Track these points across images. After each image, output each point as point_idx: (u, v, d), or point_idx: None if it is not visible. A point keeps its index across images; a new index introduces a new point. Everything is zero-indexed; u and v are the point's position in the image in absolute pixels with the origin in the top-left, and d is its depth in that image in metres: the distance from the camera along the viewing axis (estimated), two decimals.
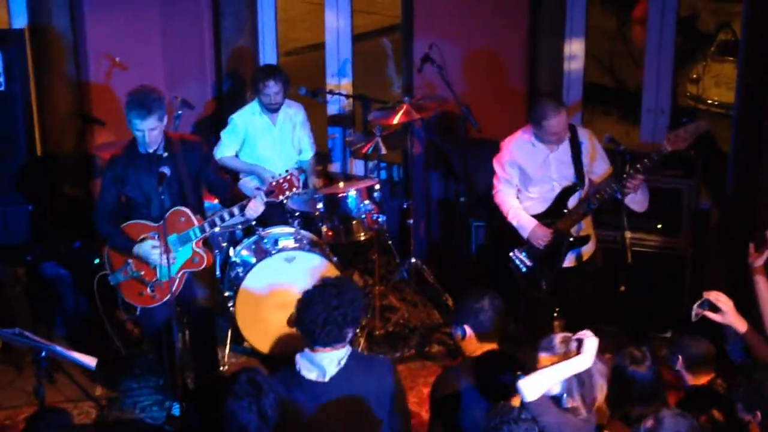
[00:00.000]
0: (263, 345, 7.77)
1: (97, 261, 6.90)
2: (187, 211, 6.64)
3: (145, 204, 6.69)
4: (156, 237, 6.59)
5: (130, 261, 6.72)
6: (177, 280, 6.68)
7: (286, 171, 6.59)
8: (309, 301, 5.25)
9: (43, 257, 8.40)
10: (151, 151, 6.57)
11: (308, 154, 8.75)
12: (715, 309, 5.44)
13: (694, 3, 12.22)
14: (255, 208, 6.54)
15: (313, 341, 5.20)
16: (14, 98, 8.39)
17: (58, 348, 6.05)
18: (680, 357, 5.55)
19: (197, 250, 6.71)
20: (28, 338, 5.97)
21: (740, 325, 5.41)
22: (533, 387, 4.84)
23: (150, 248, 6.61)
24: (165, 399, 7.38)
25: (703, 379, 5.55)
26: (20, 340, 5.98)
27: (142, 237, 6.66)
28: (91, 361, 6.11)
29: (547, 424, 4.83)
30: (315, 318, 5.17)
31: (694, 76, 11.76)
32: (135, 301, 6.81)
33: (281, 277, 7.66)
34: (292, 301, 7.52)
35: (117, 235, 6.72)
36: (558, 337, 5.07)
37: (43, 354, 5.99)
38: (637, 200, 6.94)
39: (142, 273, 6.71)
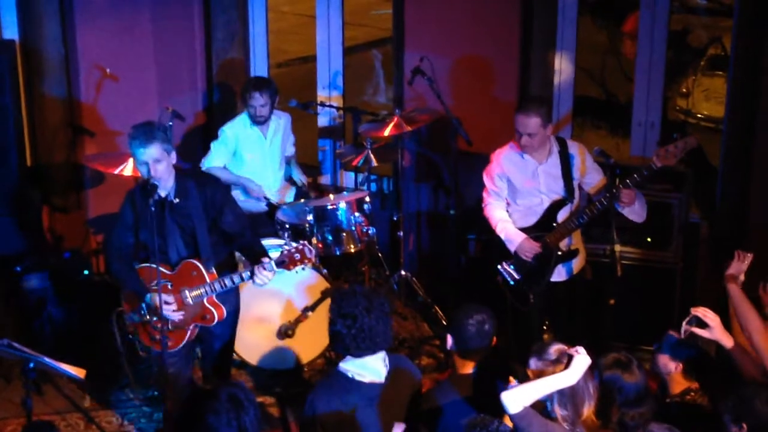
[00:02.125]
0: (252, 357, 7.76)
1: (86, 272, 6.86)
2: (199, 264, 6.37)
3: (157, 249, 6.29)
4: (170, 287, 6.34)
5: (144, 305, 6.47)
6: (188, 333, 6.49)
7: (299, 242, 6.44)
8: (368, 309, 5.28)
9: (31, 268, 8.38)
10: (163, 194, 6.27)
11: (292, 150, 8.80)
12: (703, 325, 5.46)
13: (685, 17, 12.25)
14: (264, 276, 6.32)
15: (372, 348, 5.29)
16: (5, 109, 8.36)
17: (47, 359, 6.03)
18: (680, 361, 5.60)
19: (208, 306, 6.43)
20: (17, 349, 5.95)
21: (727, 340, 5.44)
22: (516, 399, 4.83)
23: (162, 302, 6.27)
24: (153, 411, 7.37)
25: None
26: (8, 351, 5.96)
27: (155, 282, 6.31)
28: (79, 373, 6.09)
29: None
30: (373, 324, 5.26)
31: (684, 90, 11.78)
32: (148, 344, 6.61)
33: (270, 289, 7.65)
34: (282, 313, 7.63)
35: (129, 279, 6.47)
36: (553, 348, 5.07)
37: (31, 365, 5.98)
38: (635, 211, 6.95)
39: (155, 320, 6.44)
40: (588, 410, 4.98)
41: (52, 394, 7.65)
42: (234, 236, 6.59)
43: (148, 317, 6.47)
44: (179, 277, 6.36)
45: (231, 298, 6.61)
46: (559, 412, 4.94)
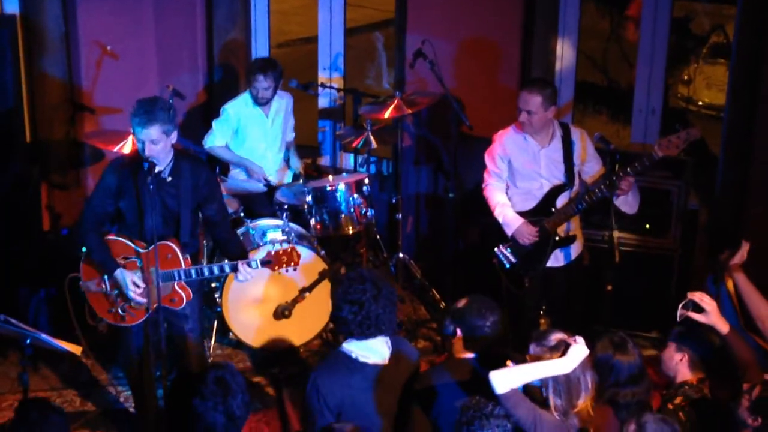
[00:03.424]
0: (249, 337, 7.76)
1: (84, 249, 6.80)
2: (176, 248, 6.30)
3: (135, 222, 6.33)
4: (139, 264, 6.27)
5: (106, 277, 6.39)
6: (148, 313, 6.40)
7: (288, 243, 6.41)
8: (375, 297, 5.29)
9: (30, 245, 8.37)
10: (156, 170, 6.16)
11: (291, 135, 8.79)
12: (699, 309, 5.46)
13: (688, 4, 12.21)
14: (247, 273, 6.29)
15: (377, 332, 5.31)
16: (4, 84, 8.35)
17: (43, 335, 6.01)
18: (687, 352, 5.57)
19: (177, 290, 6.36)
20: (13, 325, 5.94)
21: (723, 326, 5.42)
22: (504, 380, 4.84)
23: (130, 282, 6.27)
24: None
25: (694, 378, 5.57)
26: (5, 327, 5.95)
27: (125, 257, 6.32)
28: (75, 350, 6.08)
29: (521, 418, 4.83)
30: (380, 312, 5.27)
31: (686, 77, 11.76)
32: (103, 315, 6.51)
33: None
34: (279, 294, 7.63)
35: (101, 250, 6.34)
36: (554, 335, 5.05)
37: (28, 341, 5.97)
38: (628, 202, 6.95)
39: (116, 293, 6.39)
40: (584, 402, 4.97)
41: (48, 370, 7.65)
42: (214, 226, 6.57)
43: (108, 290, 6.41)
44: (152, 256, 6.26)
45: (197, 288, 6.57)
46: (553, 400, 4.93)
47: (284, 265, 6.33)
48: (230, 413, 4.74)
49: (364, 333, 5.28)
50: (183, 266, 6.31)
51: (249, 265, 6.29)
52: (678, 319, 5.53)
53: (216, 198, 6.52)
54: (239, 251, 6.53)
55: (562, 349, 4.96)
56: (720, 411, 5.31)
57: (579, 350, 4.93)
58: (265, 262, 6.31)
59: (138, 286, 6.28)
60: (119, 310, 6.43)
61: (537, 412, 4.88)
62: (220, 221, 6.56)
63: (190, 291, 6.41)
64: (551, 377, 4.92)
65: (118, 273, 6.31)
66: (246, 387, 4.88)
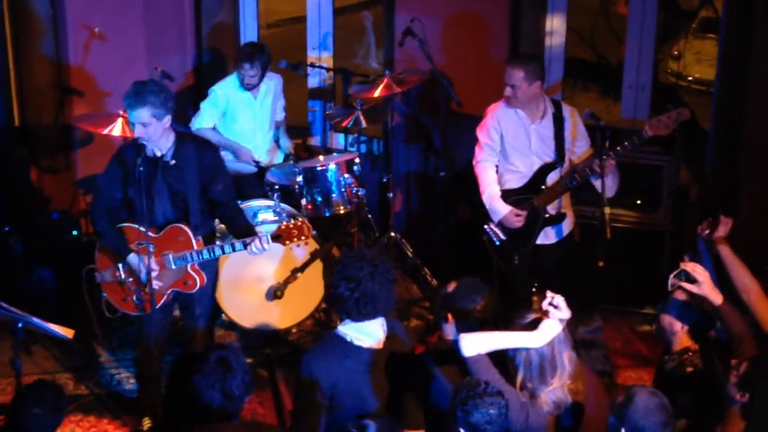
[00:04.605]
0: (241, 318, 7.75)
1: (75, 233, 6.80)
2: (188, 230, 6.29)
3: (144, 209, 6.19)
4: (152, 249, 6.21)
5: (120, 265, 6.40)
6: (164, 297, 6.40)
7: (298, 218, 6.36)
8: (372, 274, 5.24)
9: (19, 228, 8.36)
10: (158, 154, 6.21)
11: (282, 115, 8.77)
12: (692, 280, 5.45)
13: None
14: (259, 247, 6.21)
15: (373, 313, 5.27)
16: None
17: (35, 319, 6.00)
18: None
19: (191, 272, 6.35)
20: (5, 309, 5.93)
21: (716, 297, 5.40)
22: (473, 344, 4.87)
23: (144, 266, 6.24)
24: None
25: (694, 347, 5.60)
26: None
27: (138, 242, 6.29)
28: (68, 333, 6.07)
29: None
30: (376, 289, 5.22)
31: (676, 52, 11.76)
32: (119, 305, 6.53)
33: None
34: (271, 275, 7.63)
35: (113, 237, 6.36)
36: (534, 315, 5.03)
37: (20, 325, 5.96)
38: (607, 184, 6.95)
39: (131, 280, 6.40)
40: (560, 381, 4.96)
41: (41, 354, 7.65)
42: (220, 205, 6.53)
43: (123, 278, 6.41)
44: (164, 240, 6.30)
45: (210, 270, 6.56)
46: (521, 380, 4.95)
47: (295, 239, 6.26)
48: (228, 392, 4.77)
49: (361, 312, 5.23)
50: (195, 248, 6.31)
51: (260, 240, 6.23)
52: (669, 288, 5.53)
53: (222, 178, 6.49)
54: (247, 227, 6.48)
55: (534, 324, 4.97)
56: (714, 383, 5.32)
57: (550, 325, 4.92)
58: (276, 237, 6.25)
59: (152, 270, 6.25)
60: (134, 299, 6.43)
61: (500, 384, 4.88)
62: (226, 201, 6.53)
63: (204, 275, 6.41)
64: (524, 357, 4.93)
65: (132, 257, 6.32)
66: (248, 368, 4.88)
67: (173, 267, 6.31)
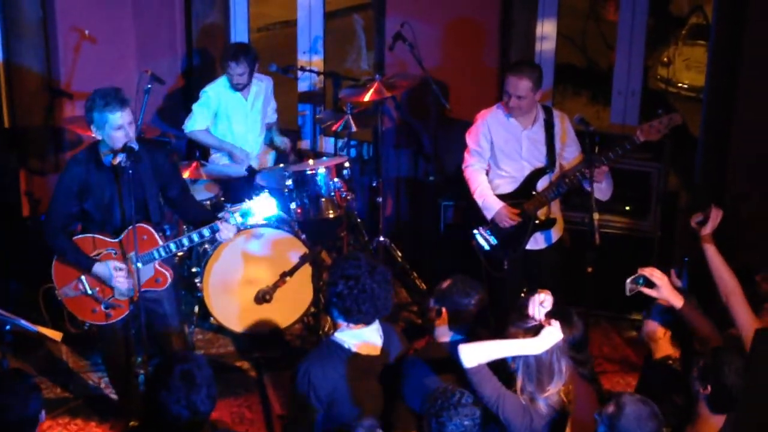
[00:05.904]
0: (230, 322, 7.75)
1: (49, 244, 6.69)
2: (150, 228, 6.24)
3: (102, 219, 6.25)
4: (114, 254, 6.22)
5: (83, 277, 6.30)
6: (138, 297, 6.29)
7: (261, 195, 6.35)
8: (371, 272, 5.24)
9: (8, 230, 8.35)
10: (115, 162, 6.11)
11: (274, 117, 8.80)
12: (651, 285, 5.47)
13: None
14: (228, 231, 6.22)
15: (373, 312, 5.25)
16: None
17: (23, 321, 6.00)
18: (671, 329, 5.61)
19: (160, 269, 6.33)
20: None
21: (676, 300, 5.42)
22: (473, 355, 4.84)
23: (112, 269, 6.21)
24: None
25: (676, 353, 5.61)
26: None
27: (97, 252, 6.26)
28: (56, 336, 6.07)
29: (485, 396, 4.83)
30: (375, 286, 5.21)
31: (665, 59, 11.76)
32: (86, 318, 6.45)
33: (249, 254, 7.65)
34: (260, 278, 7.62)
35: (72, 251, 6.24)
36: (532, 320, 5.04)
37: (8, 327, 5.95)
38: (602, 189, 6.97)
39: (97, 290, 6.31)
40: (556, 388, 4.96)
41: (28, 356, 7.62)
42: (178, 205, 6.54)
43: (89, 290, 6.33)
44: (126, 243, 6.23)
45: (171, 266, 6.51)
46: (520, 383, 4.93)
47: (263, 213, 6.28)
48: (193, 407, 4.70)
49: (361, 310, 5.18)
50: (160, 244, 6.28)
51: (227, 221, 6.22)
52: (628, 293, 5.54)
53: (177, 177, 6.52)
54: (207, 215, 6.45)
55: (535, 331, 4.96)
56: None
57: (551, 333, 4.91)
58: (243, 214, 6.25)
59: (120, 269, 6.22)
60: (103, 307, 6.37)
61: (502, 391, 4.87)
62: (184, 199, 6.53)
63: (171, 270, 6.40)
64: (523, 362, 4.91)
65: (97, 266, 6.24)
66: (213, 380, 4.79)
67: (141, 267, 6.22)
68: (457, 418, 4.68)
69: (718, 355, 5.04)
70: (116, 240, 6.24)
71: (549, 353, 4.90)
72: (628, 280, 5.52)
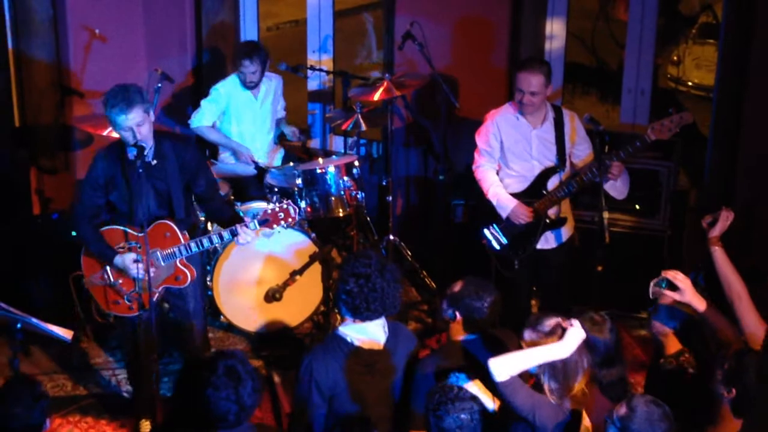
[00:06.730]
0: (240, 320, 7.76)
1: (74, 234, 6.76)
2: (173, 225, 6.30)
3: (127, 211, 6.31)
4: (138, 248, 6.24)
5: (108, 268, 6.38)
6: (157, 295, 6.36)
7: (283, 201, 6.36)
8: (381, 271, 5.26)
9: (20, 228, 8.36)
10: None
11: (282, 113, 8.84)
12: (674, 287, 5.45)
13: None
14: (246, 234, 6.24)
15: (380, 310, 5.26)
16: None
17: (34, 320, 6.00)
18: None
19: (181, 267, 6.37)
20: (4, 309, 5.93)
21: (699, 303, 5.39)
22: (504, 367, 4.82)
23: (131, 262, 6.26)
24: None
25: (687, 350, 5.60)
26: None
27: (121, 245, 6.33)
28: (67, 334, 6.07)
29: (518, 405, 4.82)
30: (385, 285, 5.23)
31: (675, 58, 11.77)
32: (110, 309, 6.53)
33: (259, 253, 7.66)
34: (270, 277, 7.63)
35: (97, 241, 6.33)
36: (549, 320, 5.02)
37: (19, 326, 5.96)
38: (617, 187, 6.95)
39: (120, 282, 6.38)
40: (579, 384, 4.97)
41: (39, 354, 7.64)
42: (205, 201, 6.57)
43: (112, 280, 6.39)
44: (150, 238, 6.24)
45: (197, 265, 6.54)
46: (547, 385, 4.92)
47: (281, 222, 6.27)
48: (241, 402, 4.73)
49: (370, 308, 5.20)
50: (182, 242, 6.31)
51: (247, 226, 6.24)
52: (651, 296, 5.53)
53: (203, 173, 6.50)
54: (233, 217, 6.50)
55: (559, 333, 4.94)
56: (702, 386, 5.33)
57: (576, 334, 4.91)
58: (263, 221, 6.24)
59: (138, 261, 6.24)
60: (126, 300, 6.41)
61: (535, 398, 4.87)
62: (210, 196, 6.56)
63: (194, 269, 6.43)
64: (549, 365, 4.91)
65: (117, 259, 6.30)
66: (255, 373, 4.86)
67: (162, 264, 6.31)
68: (455, 413, 4.71)
69: (742, 359, 5.02)
70: (141, 234, 6.26)
71: (574, 352, 4.91)
72: (652, 283, 5.50)
